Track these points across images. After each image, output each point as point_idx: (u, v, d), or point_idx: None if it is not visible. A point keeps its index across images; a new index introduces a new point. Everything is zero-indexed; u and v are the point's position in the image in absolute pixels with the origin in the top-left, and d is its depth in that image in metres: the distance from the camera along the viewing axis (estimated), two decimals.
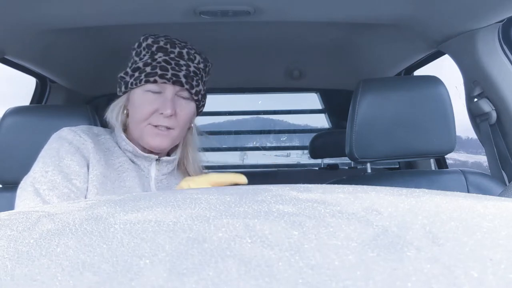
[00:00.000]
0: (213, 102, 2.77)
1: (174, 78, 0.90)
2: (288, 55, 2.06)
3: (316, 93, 2.80)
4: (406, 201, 0.29)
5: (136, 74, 0.92)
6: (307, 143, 2.56)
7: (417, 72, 1.91)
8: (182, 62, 0.92)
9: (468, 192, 1.14)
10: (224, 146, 3.22)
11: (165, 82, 0.91)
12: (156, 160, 0.96)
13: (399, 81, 1.44)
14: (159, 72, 0.90)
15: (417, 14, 1.31)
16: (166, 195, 0.31)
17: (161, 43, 0.93)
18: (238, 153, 3.46)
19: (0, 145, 1.23)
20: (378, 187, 0.33)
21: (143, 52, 0.94)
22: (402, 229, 0.24)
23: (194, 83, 0.93)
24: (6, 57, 1.47)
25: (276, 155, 3.77)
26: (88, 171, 0.87)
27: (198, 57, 0.96)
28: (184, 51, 0.93)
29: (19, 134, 1.25)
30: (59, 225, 0.26)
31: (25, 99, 1.97)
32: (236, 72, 2.22)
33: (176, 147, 1.01)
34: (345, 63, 2.06)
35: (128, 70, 0.94)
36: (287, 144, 3.51)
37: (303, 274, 0.19)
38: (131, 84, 0.93)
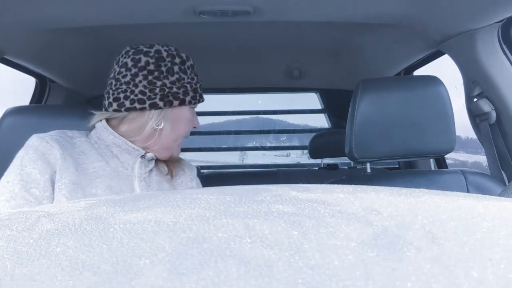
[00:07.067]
0: (213, 102, 2.76)
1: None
2: (288, 55, 2.06)
3: (315, 93, 2.79)
4: (406, 201, 0.29)
5: (191, 93, 0.95)
6: (306, 143, 2.56)
7: (417, 72, 1.91)
8: None
9: (468, 192, 1.14)
10: (224, 146, 3.21)
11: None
12: (141, 156, 0.96)
13: (398, 81, 1.44)
14: (199, 91, 0.99)
15: (417, 14, 1.31)
16: (166, 195, 0.31)
17: (189, 63, 0.97)
18: (237, 153, 3.46)
19: None
20: (378, 187, 0.33)
21: (188, 71, 0.96)
22: (402, 229, 0.24)
23: None
24: (6, 57, 1.47)
25: (275, 155, 3.77)
26: (54, 178, 0.86)
27: None
28: None
29: (19, 134, 1.24)
30: (58, 225, 0.26)
31: (25, 99, 1.97)
32: (236, 72, 2.22)
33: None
34: (345, 63, 2.06)
35: (174, 87, 0.92)
36: (287, 144, 3.51)
37: (303, 274, 0.19)
38: (187, 101, 0.94)
